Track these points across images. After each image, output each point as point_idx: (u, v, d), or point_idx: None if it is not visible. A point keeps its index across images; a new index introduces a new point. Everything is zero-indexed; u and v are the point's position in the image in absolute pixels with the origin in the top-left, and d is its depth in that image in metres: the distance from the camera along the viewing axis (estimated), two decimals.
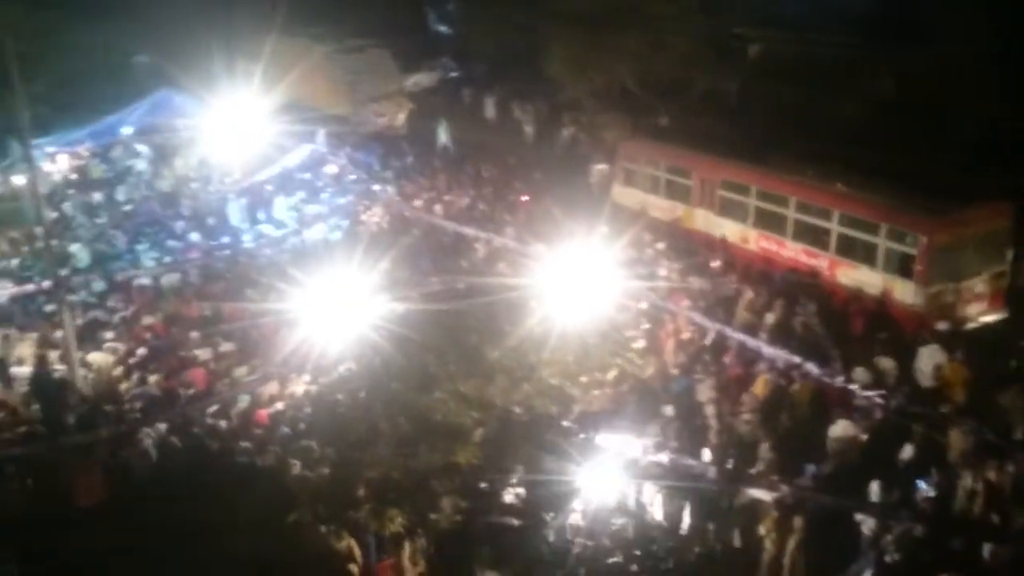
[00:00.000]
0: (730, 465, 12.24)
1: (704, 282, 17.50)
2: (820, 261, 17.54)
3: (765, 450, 12.39)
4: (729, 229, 19.45)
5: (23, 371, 15.56)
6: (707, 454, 12.56)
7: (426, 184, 24.91)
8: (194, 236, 22.51)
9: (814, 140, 20.56)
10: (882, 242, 16.48)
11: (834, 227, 17.26)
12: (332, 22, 32.62)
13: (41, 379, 15.05)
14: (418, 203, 23.41)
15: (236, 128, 24.26)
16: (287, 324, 15.71)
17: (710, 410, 13.73)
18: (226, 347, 16.55)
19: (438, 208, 22.74)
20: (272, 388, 15.01)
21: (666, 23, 24.14)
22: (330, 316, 14.24)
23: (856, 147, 19.96)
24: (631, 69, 25.08)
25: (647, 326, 15.85)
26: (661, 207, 21.03)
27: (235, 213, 23.66)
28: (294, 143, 26.63)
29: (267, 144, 25.26)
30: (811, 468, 12.08)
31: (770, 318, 15.96)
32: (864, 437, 12.56)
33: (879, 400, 12.84)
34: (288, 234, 22.87)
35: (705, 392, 14.08)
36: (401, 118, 31.51)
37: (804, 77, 23.28)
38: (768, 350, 14.75)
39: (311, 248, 21.71)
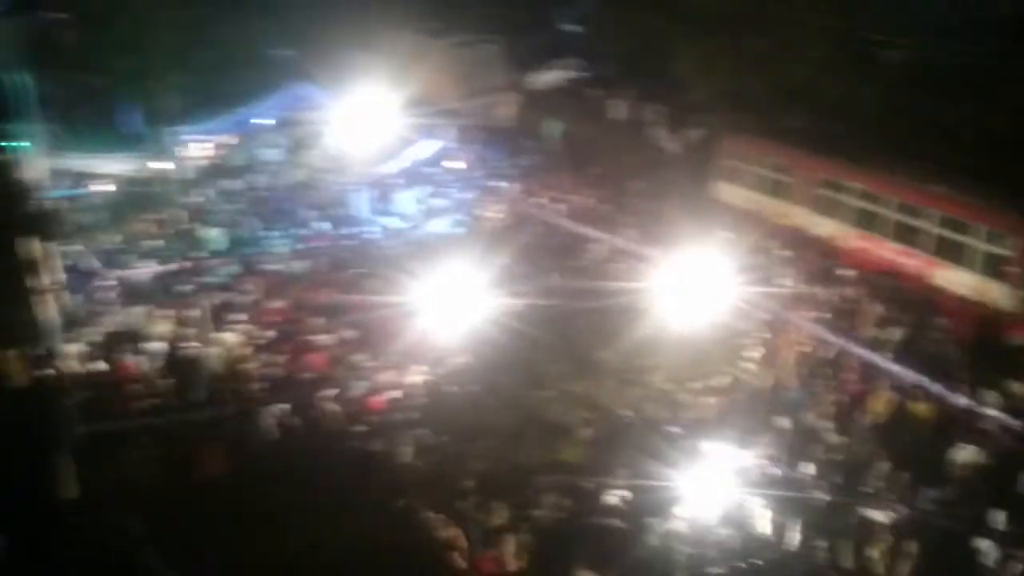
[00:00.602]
0: (843, 482, 11.90)
1: (827, 292, 16.98)
2: (917, 262, 17.39)
3: (882, 470, 11.99)
4: (827, 228, 19.40)
5: (160, 346, 16.43)
6: (819, 469, 12.23)
7: (549, 183, 25.00)
8: (322, 225, 23.30)
9: (954, 152, 19.66)
10: (979, 244, 16.25)
11: (932, 228, 17.17)
12: (452, 18, 33.19)
13: (176, 355, 15.85)
14: (540, 201, 23.55)
15: (366, 121, 24.97)
16: (407, 314, 16.14)
17: (826, 424, 13.35)
18: (348, 334, 17.06)
19: (560, 207, 22.82)
20: (389, 376, 15.40)
21: (800, 26, 23.46)
22: (448, 309, 14.57)
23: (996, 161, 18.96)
24: (761, 73, 24.48)
25: (765, 335, 15.49)
26: (762, 204, 21.01)
27: (362, 204, 24.36)
28: (422, 137, 27.20)
29: (395, 137, 25.90)
30: (930, 492, 11.62)
31: (896, 334, 15.39)
32: (990, 463, 11.99)
33: (1008, 425, 12.23)
34: (412, 227, 23.41)
35: (822, 406, 13.70)
36: (508, 113, 31.82)
37: (946, 86, 22.26)
38: (892, 367, 14.23)
39: (434, 241, 22.17)
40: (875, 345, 15.01)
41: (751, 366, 14.52)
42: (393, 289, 17.90)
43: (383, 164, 26.29)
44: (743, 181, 21.77)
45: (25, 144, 18.71)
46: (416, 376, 15.33)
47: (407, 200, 24.53)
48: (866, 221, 18.63)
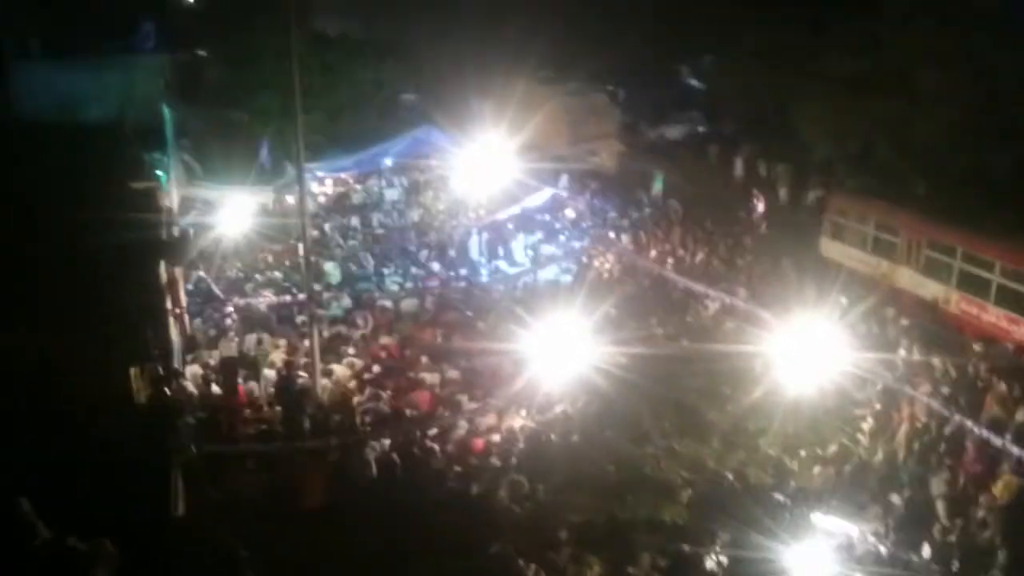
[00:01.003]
0: (957, 568, 11.27)
1: (943, 362, 16.22)
2: (1021, 328, 16.95)
3: (1002, 560, 11.31)
4: (932, 289, 19.09)
5: (272, 374, 16.94)
6: (932, 552, 11.62)
7: (661, 236, 24.84)
8: (435, 266, 23.75)
9: None
10: None
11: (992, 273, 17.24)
12: (577, 66, 33.65)
13: (286, 383, 16.31)
14: (651, 254, 23.42)
15: (483, 166, 25.43)
16: (512, 358, 16.23)
17: (941, 505, 12.69)
18: (452, 374, 17.26)
19: (670, 261, 22.63)
20: (490, 419, 15.47)
21: (932, 90, 22.84)
22: (554, 356, 14.56)
23: None
24: (888, 136, 23.91)
25: (879, 406, 14.90)
26: (867, 262, 20.76)
27: (475, 247, 24.72)
28: (537, 184, 27.49)
29: (511, 183, 26.26)
30: None
31: (1020, 414, 14.56)
32: None
33: None
34: (523, 272, 23.61)
35: (938, 485, 13.05)
36: (624, 163, 31.91)
37: None
38: (1016, 450, 13.45)
39: (543, 288, 22.29)
40: (996, 424, 14.21)
41: (863, 437, 13.98)
42: (500, 333, 18.08)
43: (497, 209, 26.63)
44: (850, 239, 21.51)
45: (164, 173, 19.77)
46: (518, 421, 15.35)
47: (519, 246, 24.76)
48: (972, 285, 18.25)
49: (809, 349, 13.36)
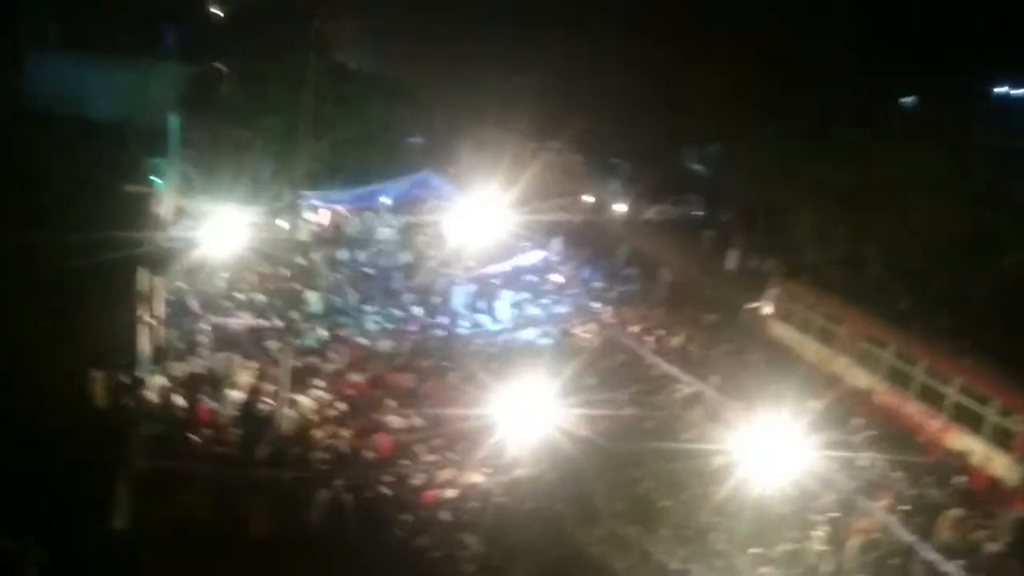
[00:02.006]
0: None
1: (904, 481, 16.23)
2: (935, 423, 18.33)
3: None
4: (863, 379, 20.38)
5: (238, 396, 16.75)
6: None
7: (644, 313, 24.93)
8: (417, 310, 23.66)
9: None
10: (992, 415, 17.20)
11: (952, 393, 18.13)
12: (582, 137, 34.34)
13: (249, 408, 16.13)
14: (632, 330, 23.46)
15: (478, 217, 25.55)
16: (480, 414, 16.12)
17: None
18: (417, 421, 17.10)
19: (650, 339, 22.67)
20: (448, 472, 15.31)
21: (923, 209, 23.29)
22: (521, 417, 14.49)
23: None
24: (875, 248, 24.31)
25: (836, 513, 14.82)
26: (810, 348, 22.17)
27: (459, 298, 24.69)
28: (528, 244, 27.64)
29: (503, 239, 26.39)
30: None
31: (981, 539, 14.54)
32: None
33: None
34: (503, 329, 23.57)
35: None
36: (618, 234, 32.46)
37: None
38: None
39: (521, 348, 22.24)
40: (948, 550, 14.19)
41: (815, 543, 13.90)
42: (471, 387, 17.99)
43: (487, 263, 26.69)
44: (792, 322, 23.01)
45: (160, 181, 19.72)
46: (476, 478, 15.20)
47: (503, 303, 24.76)
48: (894, 378, 19.65)
49: (773, 448, 13.35)
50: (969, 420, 17.64)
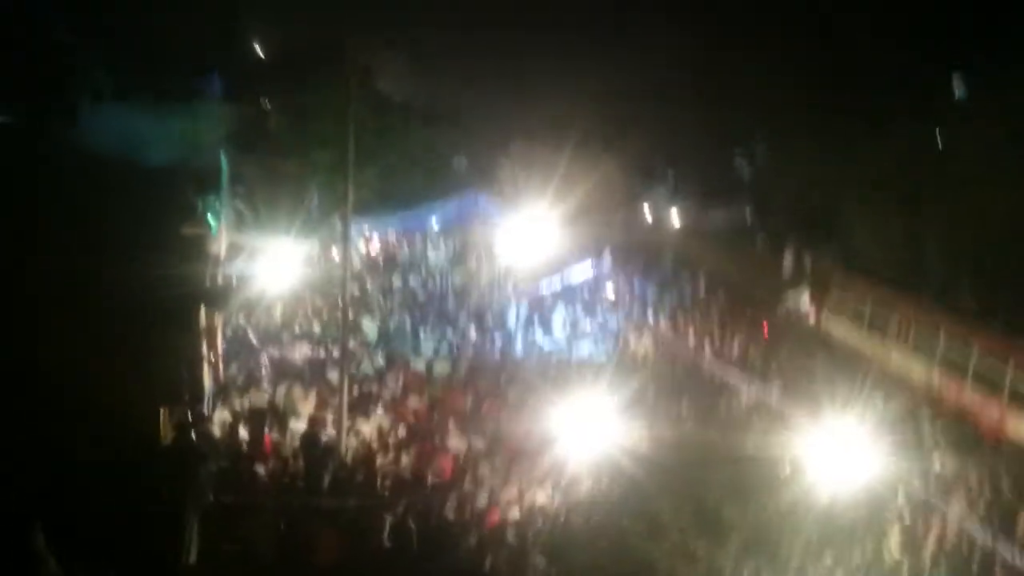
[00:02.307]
0: None
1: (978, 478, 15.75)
2: (991, 409, 18.05)
3: None
4: (918, 368, 20.27)
5: (299, 426, 16.97)
6: None
7: (700, 321, 24.70)
8: (472, 331, 23.75)
9: None
10: None
11: (1008, 376, 17.84)
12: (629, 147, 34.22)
13: (311, 437, 16.31)
14: (688, 339, 23.26)
15: (529, 236, 25.60)
16: (540, 432, 16.12)
17: None
18: (478, 443, 17.14)
19: (707, 348, 22.44)
20: (512, 492, 15.29)
21: (988, 203, 22.67)
22: (581, 434, 14.44)
23: None
24: (938, 247, 23.73)
25: (909, 518, 14.46)
26: (862, 339, 22.23)
27: (513, 317, 24.73)
28: (580, 259, 27.59)
29: (554, 256, 26.39)
30: None
31: None
32: None
33: None
34: (558, 346, 23.53)
35: None
36: (668, 244, 32.29)
37: None
38: None
39: (577, 363, 22.19)
40: None
41: (891, 549, 13.57)
42: (529, 406, 18.00)
43: (539, 281, 26.70)
44: (844, 313, 23.27)
45: (215, 219, 20.16)
46: (540, 497, 15.17)
47: (557, 319, 24.74)
48: (948, 365, 19.51)
49: (841, 452, 13.10)
50: None
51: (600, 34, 38.81)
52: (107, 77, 31.47)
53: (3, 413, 11.41)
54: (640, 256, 30.65)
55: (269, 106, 34.63)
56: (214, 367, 18.27)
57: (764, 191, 36.42)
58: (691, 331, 24.03)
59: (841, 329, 22.92)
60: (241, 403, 17.91)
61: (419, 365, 21.18)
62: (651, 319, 25.14)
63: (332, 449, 15.98)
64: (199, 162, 25.44)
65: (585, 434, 14.33)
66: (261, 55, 35.92)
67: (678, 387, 19.85)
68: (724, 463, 11.03)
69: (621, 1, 38.59)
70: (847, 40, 31.80)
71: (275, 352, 20.55)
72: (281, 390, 18.61)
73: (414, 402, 18.86)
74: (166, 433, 14.12)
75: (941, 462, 16.13)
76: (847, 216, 26.81)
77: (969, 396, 18.72)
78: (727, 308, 26.05)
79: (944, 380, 19.40)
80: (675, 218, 35.11)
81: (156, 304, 13.49)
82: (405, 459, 16.08)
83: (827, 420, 13.63)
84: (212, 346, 18.24)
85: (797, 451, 12.05)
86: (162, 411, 14.33)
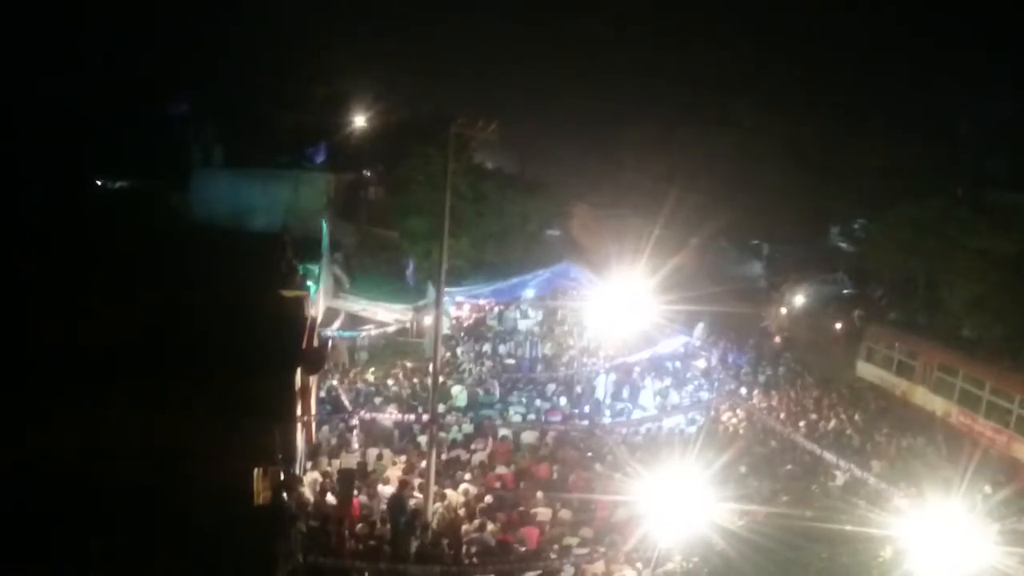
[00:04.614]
0: None
1: None
2: (1002, 437, 20.62)
3: None
4: (939, 405, 22.90)
5: (387, 490, 17.09)
6: None
7: (794, 397, 24.12)
8: (561, 400, 23.68)
9: None
10: None
11: (1016, 408, 20.45)
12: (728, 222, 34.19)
13: (399, 502, 16.39)
14: (782, 414, 22.69)
15: (620, 307, 25.55)
16: (628, 505, 15.85)
17: None
18: (564, 513, 16.95)
19: (802, 424, 21.84)
20: (599, 567, 15.03)
21: None
22: (669, 508, 14.13)
23: None
24: None
25: None
26: (891, 382, 25.02)
27: (602, 387, 24.58)
28: (672, 331, 27.37)
29: (645, 327, 26.24)
30: None
31: None
32: None
33: None
34: (647, 418, 23.23)
35: None
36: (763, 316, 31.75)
37: None
38: None
39: (666, 436, 21.84)
40: None
41: None
42: (618, 477, 17.74)
43: (629, 351, 26.56)
44: (876, 361, 25.94)
45: (314, 283, 20.77)
46: (625, 572, 14.87)
47: (647, 390, 24.49)
48: (965, 399, 22.09)
49: (944, 537, 12.49)
50: None
51: (697, 109, 39.20)
52: (219, 147, 33.07)
53: (102, 472, 11.81)
54: (733, 328, 30.29)
55: (370, 175, 35.81)
56: (307, 428, 18.62)
57: (862, 264, 35.82)
58: (785, 405, 23.46)
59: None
60: (331, 465, 18.17)
61: (507, 432, 21.15)
62: (744, 392, 24.64)
63: (419, 514, 16.02)
64: (301, 228, 26.40)
65: (675, 508, 14.02)
66: (363, 126, 37.23)
67: (771, 462, 19.30)
68: (820, 543, 10.65)
69: (720, 79, 38.99)
70: (946, 111, 31.43)
71: (366, 415, 20.82)
72: (371, 453, 18.83)
73: (501, 469, 18.81)
74: (259, 493, 14.38)
75: None
76: (947, 287, 26.19)
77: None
78: (823, 381, 25.49)
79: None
80: (770, 290, 34.61)
81: (254, 364, 13.88)
82: (491, 527, 15.99)
83: (931, 502, 13.04)
84: (306, 407, 18.62)
85: (898, 533, 11.54)
86: (256, 471, 14.62)
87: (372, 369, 24.30)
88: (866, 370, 26.14)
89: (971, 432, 21.31)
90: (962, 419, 21.94)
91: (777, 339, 30.35)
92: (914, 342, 24.97)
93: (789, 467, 19.32)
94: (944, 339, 24.74)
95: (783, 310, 32.85)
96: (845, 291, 36.24)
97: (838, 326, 29.91)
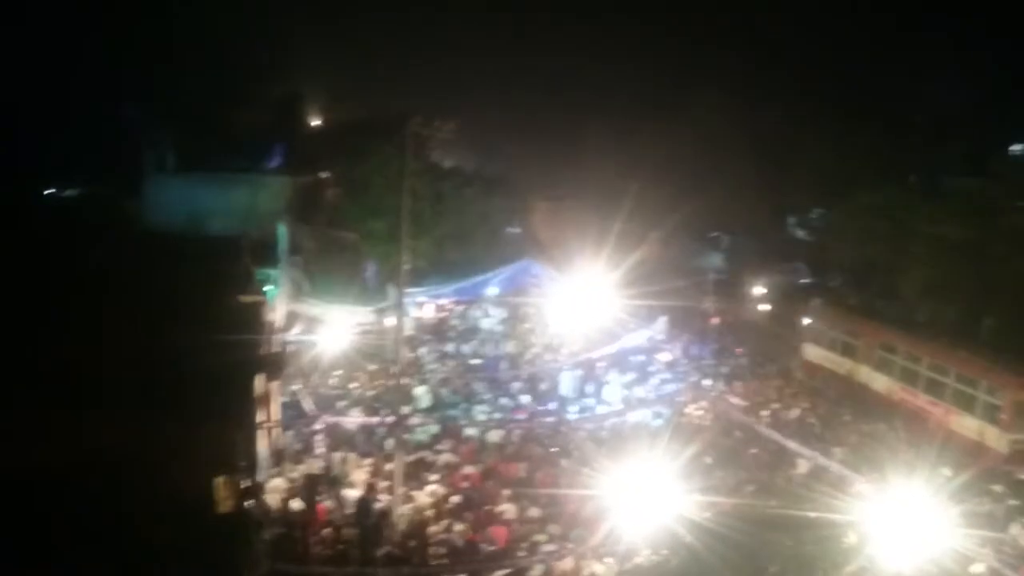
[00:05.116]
0: None
1: None
2: (939, 410, 21.30)
3: None
4: (882, 382, 23.41)
5: (353, 494, 16.92)
6: None
7: (757, 387, 24.31)
8: (525, 398, 23.62)
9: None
10: (981, 395, 20.34)
11: (951, 382, 21.25)
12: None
13: (365, 506, 16.24)
14: (746, 405, 22.86)
15: (581, 302, 25.56)
16: (595, 500, 15.84)
17: None
18: (532, 511, 16.89)
19: (765, 414, 22.00)
20: (568, 564, 14.99)
21: None
22: (636, 502, 14.15)
23: None
24: (1000, 305, 23.26)
25: None
26: (836, 363, 25.38)
27: (566, 383, 24.56)
28: (634, 325, 27.44)
29: (607, 322, 26.28)
30: None
31: None
32: None
33: None
34: (612, 412, 23.26)
35: None
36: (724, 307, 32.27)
37: None
38: None
39: (632, 430, 21.88)
40: None
41: None
42: (584, 473, 17.72)
43: (593, 347, 26.57)
44: (821, 342, 26.29)
45: (272, 288, 20.49)
46: (594, 567, 14.85)
47: (611, 385, 24.51)
48: (905, 376, 22.74)
49: (907, 521, 12.63)
50: None
51: (657, 103, 39.35)
52: (172, 151, 32.57)
53: (58, 479, 11.57)
54: (695, 321, 30.45)
55: (327, 177, 35.46)
56: (270, 434, 18.38)
57: (819, 254, 36.22)
58: (748, 395, 23.65)
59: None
60: (295, 470, 17.95)
61: (472, 432, 21.04)
62: (707, 384, 24.77)
63: (386, 517, 15.87)
64: (257, 232, 26.07)
65: (642, 502, 14.04)
66: (320, 128, 36.91)
67: (736, 453, 19.42)
68: (786, 533, 10.70)
69: (679, 73, 39.16)
70: (900, 100, 31.87)
71: (330, 419, 20.60)
72: (335, 457, 18.63)
73: (468, 469, 18.70)
74: (222, 501, 14.17)
75: (1016, 533, 15.49)
76: (903, 274, 26.56)
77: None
78: (784, 371, 25.74)
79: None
80: (729, 283, 34.83)
81: (213, 371, 13.69)
82: (459, 527, 15.89)
83: (893, 487, 13.19)
84: (268, 413, 18.38)
85: (862, 519, 11.64)
86: (218, 479, 14.40)
87: (335, 373, 24.05)
88: (812, 352, 26.58)
89: (911, 406, 22.08)
90: (903, 395, 22.58)
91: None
92: (856, 323, 25.60)
93: (754, 451, 19.48)
94: (884, 319, 25.49)
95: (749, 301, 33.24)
96: (803, 281, 36.63)
97: (802, 318, 30.25)
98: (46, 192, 32.00)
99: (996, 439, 19.58)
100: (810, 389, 24.10)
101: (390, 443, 18.23)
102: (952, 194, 27.51)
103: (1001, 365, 20.56)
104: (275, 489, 16.63)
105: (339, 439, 19.80)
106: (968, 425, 20.36)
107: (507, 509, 16.80)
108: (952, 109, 34.03)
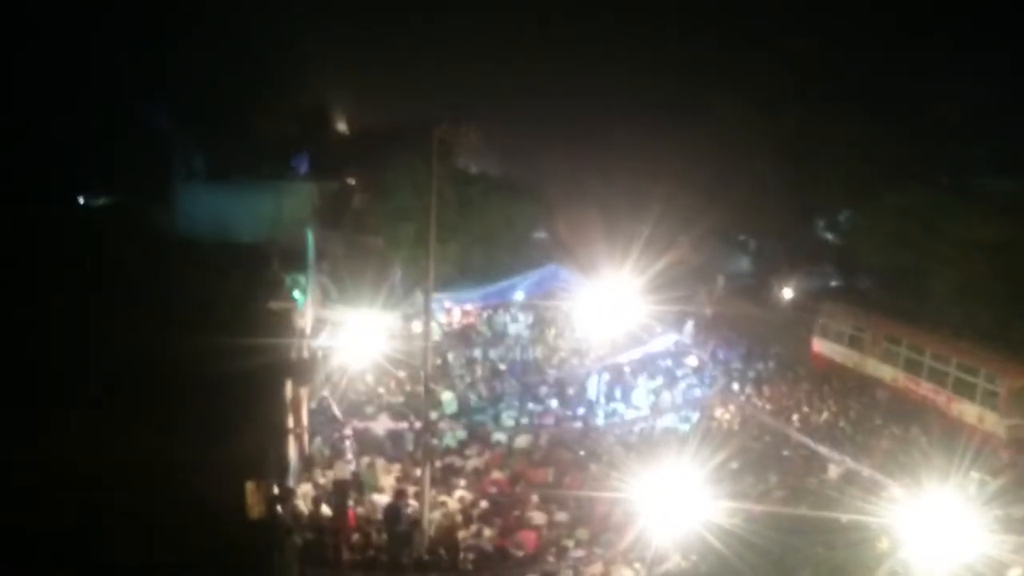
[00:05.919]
0: None
1: None
2: (941, 397, 22.50)
3: None
4: (887, 372, 24.53)
5: (382, 499, 16.98)
6: None
7: (786, 391, 24.13)
8: (553, 403, 23.59)
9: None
10: (980, 383, 21.45)
11: (952, 371, 22.35)
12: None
13: (394, 511, 16.29)
14: (775, 409, 22.70)
15: (609, 307, 25.51)
16: (624, 505, 15.80)
17: None
18: (561, 516, 16.88)
19: (795, 418, 21.84)
20: (597, 568, 14.97)
21: None
22: (665, 507, 14.09)
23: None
24: None
25: None
26: (844, 355, 26.49)
27: (594, 388, 24.52)
28: (661, 330, 27.37)
29: (635, 326, 26.21)
30: None
31: None
32: None
33: None
34: (640, 417, 23.19)
35: None
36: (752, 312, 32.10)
37: None
38: None
39: (659, 435, 21.81)
40: None
41: None
42: (612, 478, 17.68)
43: (620, 351, 26.51)
44: (830, 336, 27.39)
45: (301, 294, 20.63)
46: (623, 572, 14.82)
47: (639, 390, 24.44)
48: (909, 366, 23.83)
49: (942, 526, 12.47)
50: None
51: (681, 107, 39.20)
52: (200, 159, 32.90)
53: (92, 490, 11.70)
54: (723, 325, 30.32)
55: (354, 183, 35.67)
56: (299, 440, 18.50)
57: (848, 256, 35.87)
58: (777, 399, 23.48)
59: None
60: (325, 476, 18.05)
61: (500, 437, 21.06)
62: (736, 388, 24.64)
63: (415, 522, 15.92)
64: (286, 239, 26.28)
65: (670, 507, 13.98)
66: (345, 134, 37.15)
67: (765, 458, 19.29)
68: (817, 538, 10.61)
69: (702, 78, 38.97)
70: (927, 98, 31.50)
71: (358, 424, 20.69)
72: (364, 463, 18.71)
73: (496, 475, 18.73)
74: (253, 507, 14.27)
75: None
76: (934, 275, 26.31)
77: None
78: (814, 374, 25.55)
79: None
80: (757, 286, 34.69)
81: (242, 377, 13.80)
82: (487, 533, 15.92)
83: (927, 492, 13.03)
84: (297, 419, 18.50)
85: (895, 524, 11.53)
86: (249, 485, 14.51)
87: (362, 378, 24.15)
88: (822, 346, 27.54)
89: (915, 394, 23.33)
90: (908, 384, 23.70)
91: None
92: (863, 316, 26.57)
93: (785, 453, 19.36)
94: (889, 312, 26.35)
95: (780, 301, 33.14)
96: (833, 283, 36.34)
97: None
98: (79, 201, 32.43)
99: (995, 424, 20.76)
100: (841, 393, 23.87)
101: (418, 448, 18.30)
102: (983, 195, 27.12)
103: (1000, 354, 21.78)
104: (304, 495, 16.74)
105: (367, 444, 19.88)
106: (968, 411, 21.57)
107: (536, 514, 16.81)
108: (981, 107, 33.56)
